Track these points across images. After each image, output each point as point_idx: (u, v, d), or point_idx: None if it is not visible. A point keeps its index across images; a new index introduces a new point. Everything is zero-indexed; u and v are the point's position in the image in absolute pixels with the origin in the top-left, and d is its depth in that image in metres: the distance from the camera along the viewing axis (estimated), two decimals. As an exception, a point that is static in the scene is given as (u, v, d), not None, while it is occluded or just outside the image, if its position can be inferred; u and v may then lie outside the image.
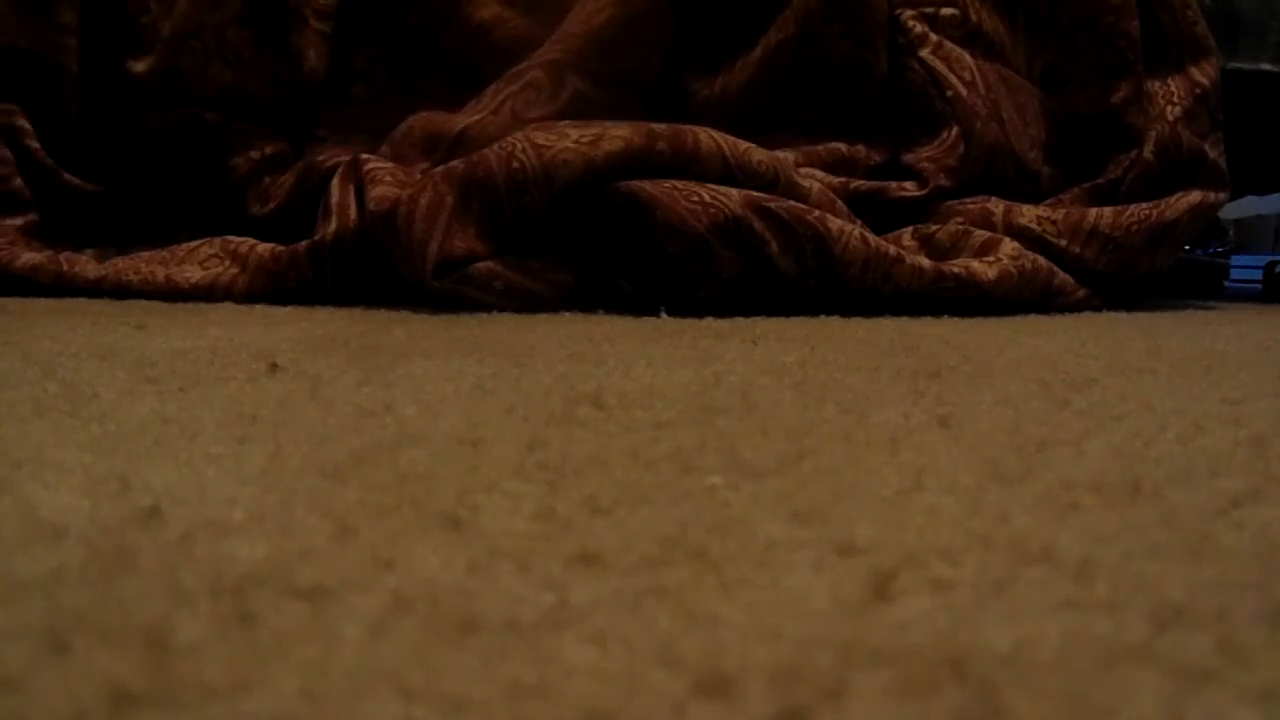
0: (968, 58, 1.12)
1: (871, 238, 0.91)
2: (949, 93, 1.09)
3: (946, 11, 1.13)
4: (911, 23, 1.12)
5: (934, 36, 1.12)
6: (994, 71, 1.13)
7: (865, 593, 0.21)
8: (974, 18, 1.13)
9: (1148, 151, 1.15)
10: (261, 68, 1.09)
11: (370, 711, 0.16)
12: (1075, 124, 1.18)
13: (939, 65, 1.10)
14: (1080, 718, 0.16)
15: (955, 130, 1.09)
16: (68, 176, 1.08)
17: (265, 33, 1.09)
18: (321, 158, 1.04)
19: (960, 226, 1.04)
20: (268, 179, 1.08)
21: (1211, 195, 1.18)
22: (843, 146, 1.09)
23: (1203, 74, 1.21)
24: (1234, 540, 0.26)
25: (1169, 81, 1.20)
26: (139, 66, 1.07)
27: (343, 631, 0.19)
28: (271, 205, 1.06)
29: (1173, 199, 1.14)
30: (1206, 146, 1.19)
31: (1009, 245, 1.00)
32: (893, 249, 0.91)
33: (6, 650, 0.17)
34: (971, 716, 0.16)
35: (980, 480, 0.31)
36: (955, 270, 0.94)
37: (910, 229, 1.05)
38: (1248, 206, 2.52)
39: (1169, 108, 1.18)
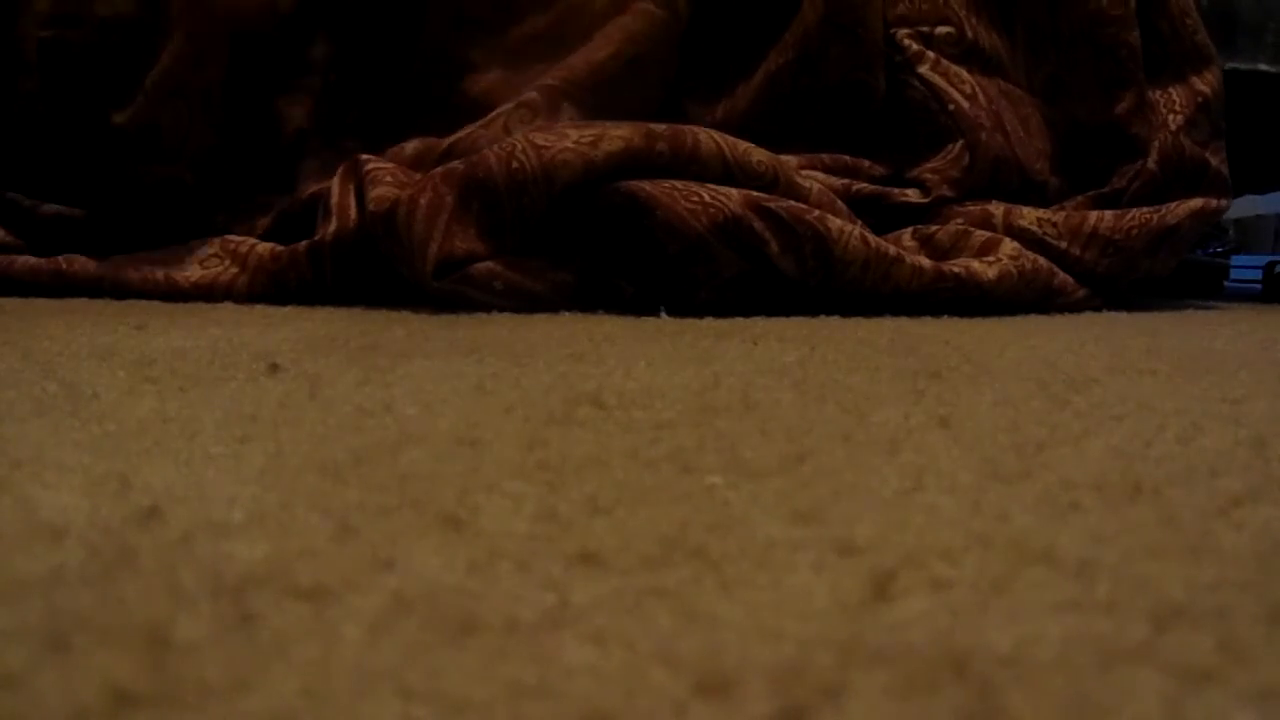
0: (965, 73, 1.12)
1: (871, 237, 0.91)
2: (951, 107, 1.10)
3: (942, 30, 1.13)
4: (907, 41, 1.12)
5: (930, 54, 1.12)
6: (994, 86, 1.14)
7: (865, 593, 0.21)
8: (970, 34, 1.14)
9: (1151, 162, 1.15)
10: (246, 131, 1.09)
11: (370, 711, 0.16)
12: (1078, 134, 1.18)
13: (939, 80, 1.11)
14: (1080, 718, 0.16)
15: (960, 144, 1.10)
16: (46, 207, 1.07)
17: (250, 97, 1.09)
18: (300, 188, 1.04)
19: (960, 227, 1.04)
20: (246, 223, 1.07)
21: (1214, 201, 1.18)
22: (846, 157, 1.10)
23: (1204, 83, 1.21)
24: (1234, 540, 0.26)
25: (1170, 91, 1.20)
26: (120, 118, 1.05)
27: (343, 631, 0.19)
28: (257, 234, 1.06)
29: (1174, 204, 1.14)
30: (1208, 155, 1.19)
31: (1009, 245, 1.00)
32: (892, 249, 0.91)
33: (6, 650, 0.17)
34: (971, 716, 0.16)
35: (980, 480, 0.31)
36: (955, 270, 0.94)
37: (910, 229, 1.05)
38: (1248, 206, 2.52)
39: (1171, 116, 1.18)
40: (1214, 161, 1.19)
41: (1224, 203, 1.20)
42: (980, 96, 1.12)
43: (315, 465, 0.31)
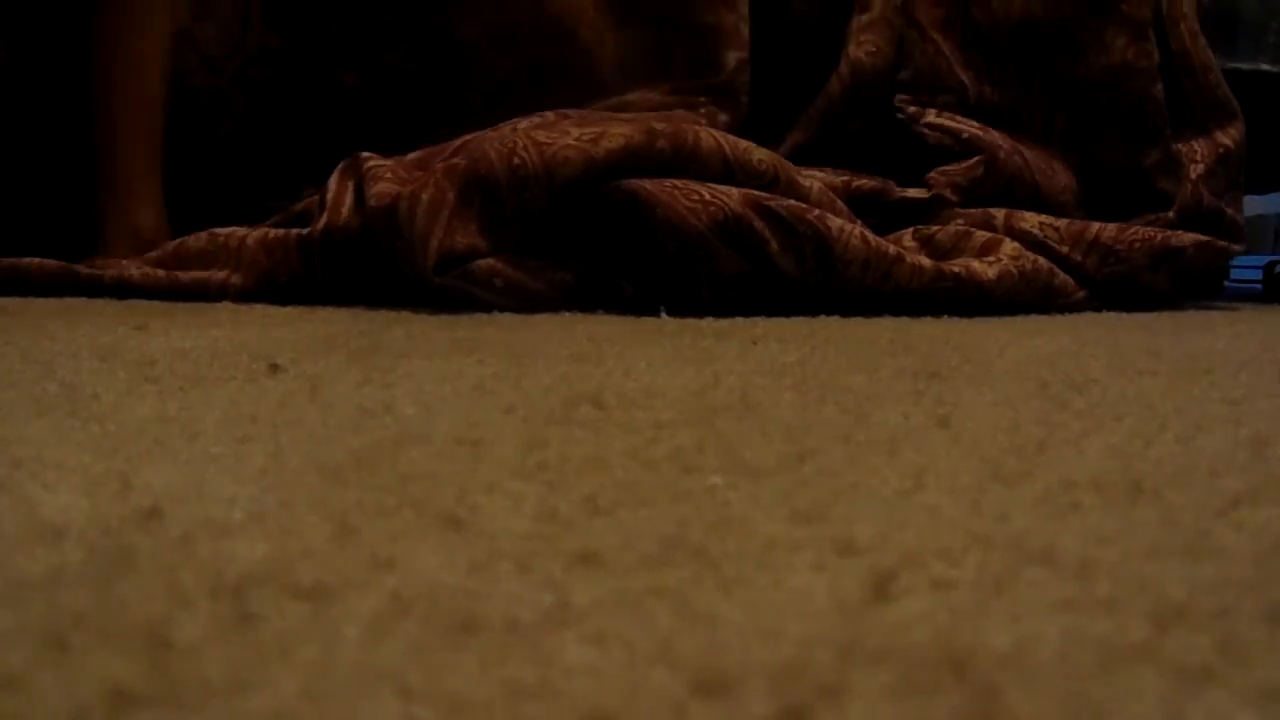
0: (974, 121, 1.15)
1: (871, 237, 0.91)
2: (965, 134, 1.14)
3: (943, 98, 1.17)
4: (907, 105, 1.16)
5: (932, 110, 1.16)
6: (1003, 135, 1.16)
7: (865, 593, 0.21)
8: (972, 98, 1.18)
9: (1173, 212, 1.18)
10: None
11: (370, 711, 0.16)
12: (1102, 179, 1.20)
13: (947, 121, 1.15)
14: (1080, 718, 0.16)
15: (978, 158, 1.12)
16: None
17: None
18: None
19: (961, 227, 1.04)
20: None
21: (1221, 241, 1.20)
22: (847, 171, 1.11)
23: (1227, 136, 1.23)
24: (1234, 540, 0.26)
25: (1192, 142, 1.22)
26: None
27: (343, 631, 0.19)
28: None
29: (1180, 232, 1.16)
30: (1224, 204, 1.21)
31: (1009, 245, 1.00)
32: (892, 248, 0.91)
33: (6, 650, 0.17)
34: (971, 716, 0.16)
35: (980, 480, 0.31)
36: (955, 270, 0.94)
37: (911, 229, 1.05)
38: (1248, 206, 2.52)
39: (1192, 166, 1.20)
40: (1229, 211, 1.22)
41: (1235, 247, 1.23)
42: (994, 131, 1.14)
43: (315, 465, 0.31)
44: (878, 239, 0.92)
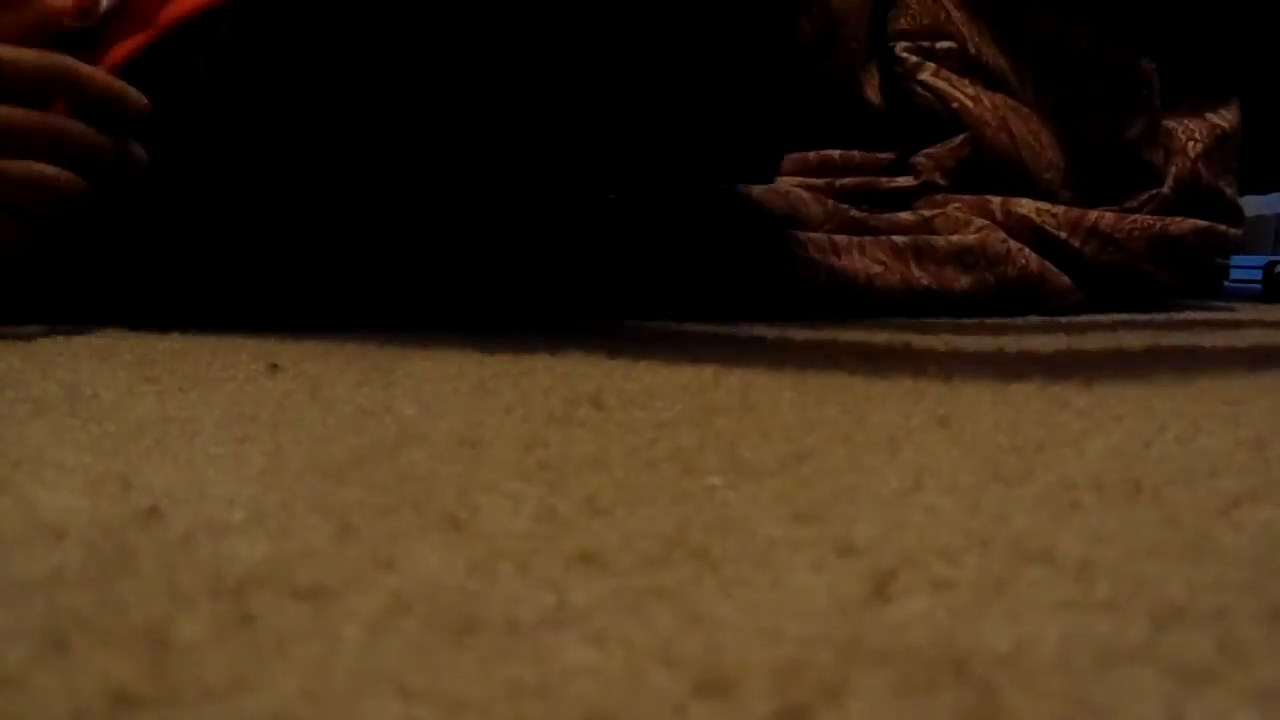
0: (969, 83, 1.13)
1: (839, 267, 0.92)
2: (954, 105, 1.11)
3: (943, 45, 1.14)
4: (905, 54, 1.13)
5: (930, 64, 1.13)
6: (999, 98, 1.14)
7: (865, 593, 0.21)
8: (973, 50, 1.14)
9: (1167, 188, 1.16)
10: None
11: (370, 711, 0.16)
12: (1090, 155, 1.18)
13: (941, 84, 1.12)
14: (1080, 718, 0.16)
15: (964, 136, 1.10)
16: None
17: None
18: None
19: (960, 214, 1.04)
20: None
21: (1220, 225, 1.19)
22: (835, 153, 1.09)
23: (1221, 118, 1.22)
24: (1234, 540, 0.26)
25: (1186, 121, 1.21)
26: None
27: (343, 631, 0.19)
28: None
29: (1179, 219, 1.15)
30: (1223, 185, 1.20)
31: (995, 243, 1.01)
32: (862, 274, 0.92)
33: (6, 650, 0.17)
34: (971, 716, 0.16)
35: (980, 480, 0.31)
36: (925, 283, 0.95)
37: (908, 212, 1.05)
38: (1248, 206, 2.52)
39: (1190, 144, 1.19)
40: (1228, 192, 1.21)
41: (1234, 231, 1.21)
42: (985, 101, 1.12)
43: (315, 465, 0.31)
44: (844, 268, 0.92)
